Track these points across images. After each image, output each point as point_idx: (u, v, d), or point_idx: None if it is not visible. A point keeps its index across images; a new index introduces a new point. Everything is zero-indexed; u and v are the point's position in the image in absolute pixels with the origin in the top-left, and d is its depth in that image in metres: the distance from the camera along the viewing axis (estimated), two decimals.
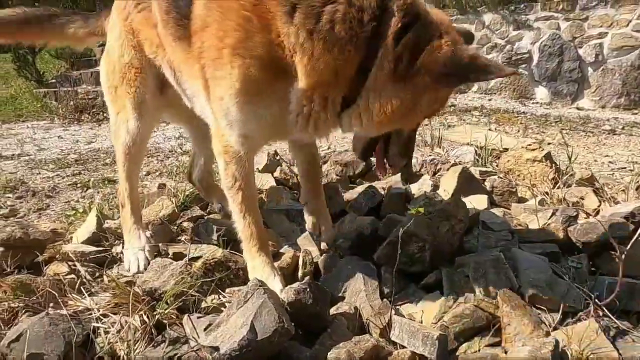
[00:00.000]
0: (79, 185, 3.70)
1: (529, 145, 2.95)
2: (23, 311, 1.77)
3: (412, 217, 1.87)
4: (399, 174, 2.76)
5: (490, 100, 6.97)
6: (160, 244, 2.17)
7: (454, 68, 1.43)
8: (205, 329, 1.58)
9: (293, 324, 1.46)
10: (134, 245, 2.15)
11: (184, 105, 2.11)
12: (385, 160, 1.80)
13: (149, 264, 2.00)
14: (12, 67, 9.70)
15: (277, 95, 1.58)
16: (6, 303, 1.77)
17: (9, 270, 2.05)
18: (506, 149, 3.45)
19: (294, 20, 1.45)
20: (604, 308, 1.57)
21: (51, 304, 1.80)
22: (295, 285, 1.54)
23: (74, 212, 2.93)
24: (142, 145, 2.24)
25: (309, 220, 2.18)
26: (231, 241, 2.12)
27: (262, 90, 1.57)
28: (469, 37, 1.77)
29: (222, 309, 1.74)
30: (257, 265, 1.81)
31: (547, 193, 2.71)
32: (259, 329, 1.33)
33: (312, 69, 1.47)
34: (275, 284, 1.73)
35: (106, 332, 1.65)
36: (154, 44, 2.02)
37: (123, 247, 2.23)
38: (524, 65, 6.97)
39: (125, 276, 2.00)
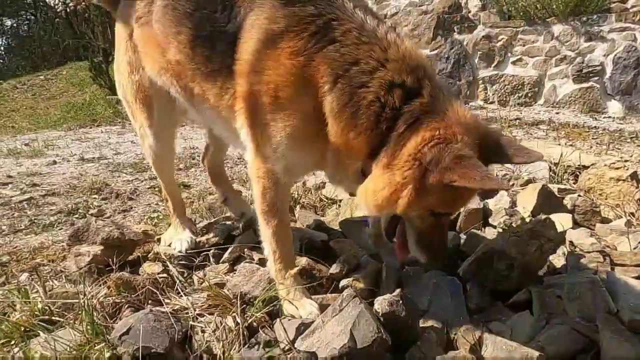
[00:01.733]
0: (156, 189, 3.90)
1: (613, 163, 2.84)
2: (125, 306, 1.90)
3: (499, 234, 1.86)
4: None
5: (558, 113, 6.73)
6: (245, 250, 2.27)
7: (434, 165, 1.43)
8: (296, 334, 1.64)
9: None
10: (178, 234, 2.39)
11: None
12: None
13: (189, 248, 2.29)
14: (88, 74, 10.38)
15: (320, 145, 1.66)
16: (111, 298, 1.91)
17: (110, 267, 2.21)
18: (584, 166, 3.34)
19: (332, 92, 1.56)
20: None
21: (150, 301, 1.93)
22: (388, 296, 1.57)
23: (157, 214, 3.10)
24: (168, 155, 2.37)
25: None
26: (313, 249, 2.19)
27: (308, 139, 1.66)
28: (492, 137, 1.60)
29: None
30: (288, 287, 1.82)
31: (632, 214, 2.61)
32: (358, 338, 1.38)
33: (337, 135, 1.59)
34: (307, 306, 1.75)
35: (202, 331, 1.74)
36: (161, 67, 2.03)
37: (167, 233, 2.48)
38: (595, 78, 6.69)
39: (216, 277, 2.10)
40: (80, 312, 1.80)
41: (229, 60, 1.73)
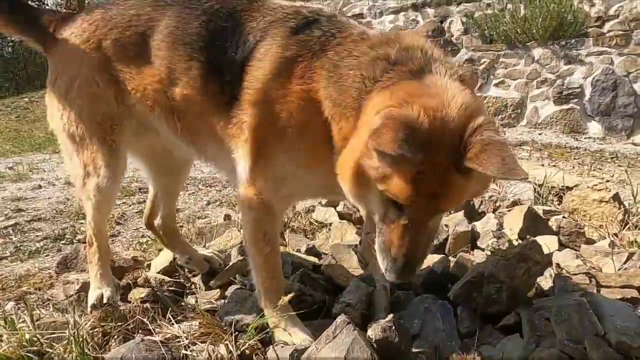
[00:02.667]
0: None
1: (595, 185, 2.92)
2: (115, 336, 1.88)
3: (488, 257, 1.90)
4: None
5: (540, 134, 6.88)
6: (237, 276, 2.27)
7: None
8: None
9: None
10: (96, 284, 2.09)
11: (151, 144, 2.15)
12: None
13: (106, 302, 1.99)
14: None
15: (332, 164, 1.60)
16: (100, 328, 1.89)
17: None
18: (568, 187, 3.42)
19: (330, 87, 1.56)
20: None
21: (140, 330, 1.91)
22: (382, 322, 1.58)
23: (145, 239, 3.08)
24: (114, 196, 2.17)
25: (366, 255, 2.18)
26: (304, 274, 2.20)
27: (319, 161, 1.63)
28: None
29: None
30: (280, 318, 1.78)
31: (616, 235, 2.67)
32: None
33: (343, 134, 1.55)
34: (299, 333, 1.75)
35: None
36: (154, 100, 1.90)
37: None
38: (575, 100, 6.88)
39: (207, 304, 2.09)
40: (69, 342, 1.78)
41: (236, 90, 1.70)
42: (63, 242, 3.32)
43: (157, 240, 2.60)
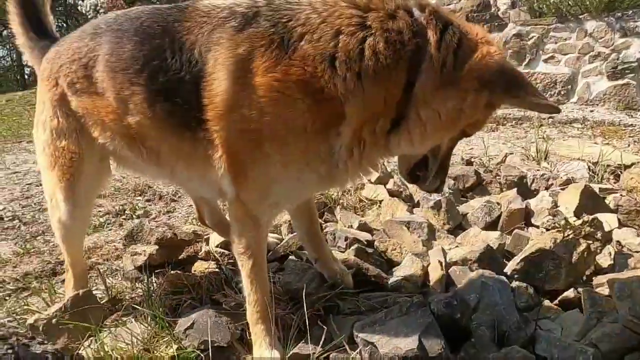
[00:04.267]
0: None
1: None
2: (185, 303, 2.01)
3: (546, 234, 1.90)
4: None
5: (592, 111, 6.62)
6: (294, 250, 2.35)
7: (503, 77, 1.42)
8: (351, 330, 1.71)
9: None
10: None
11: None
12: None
13: None
14: None
15: (325, 150, 1.54)
16: (172, 295, 2.02)
17: (163, 266, 2.32)
18: (625, 165, 3.31)
19: (338, 71, 1.43)
20: None
21: (207, 299, 2.03)
22: (443, 297, 1.63)
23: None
24: (81, 229, 2.15)
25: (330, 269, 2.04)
26: (359, 250, 2.25)
27: (310, 154, 1.53)
28: None
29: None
30: (257, 333, 1.71)
31: None
32: (425, 346, 1.44)
33: (364, 107, 1.47)
34: (272, 354, 1.66)
35: None
36: (113, 130, 1.83)
37: None
38: (630, 75, 6.55)
39: None
40: (143, 308, 1.91)
41: (194, 111, 1.58)
42: (123, 217, 3.51)
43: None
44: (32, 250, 2.86)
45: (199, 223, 2.63)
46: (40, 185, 3.22)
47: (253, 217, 1.66)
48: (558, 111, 1.52)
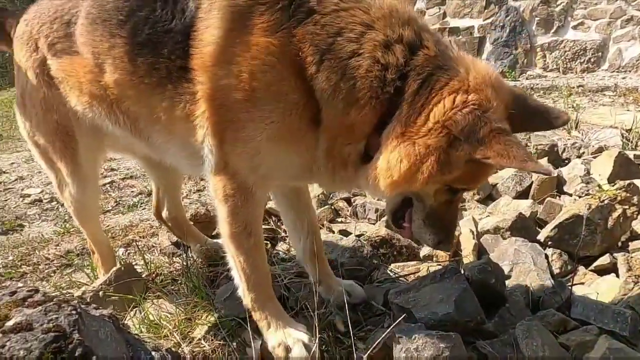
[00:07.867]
0: None
1: None
2: (221, 274, 2.08)
3: (580, 200, 1.88)
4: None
5: (624, 78, 6.40)
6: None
7: (466, 136, 1.23)
8: (384, 297, 1.74)
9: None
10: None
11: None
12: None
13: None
14: None
15: (308, 142, 1.43)
16: (208, 268, 2.10)
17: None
18: None
19: (320, 72, 1.32)
20: None
21: None
22: (477, 263, 1.64)
23: None
24: (93, 201, 2.07)
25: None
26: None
27: (295, 135, 1.42)
28: (520, 100, 1.41)
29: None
30: (270, 314, 1.59)
31: None
32: (461, 310, 1.46)
33: (334, 123, 1.37)
34: (293, 334, 1.54)
35: (296, 293, 1.89)
36: (95, 96, 1.69)
37: None
38: None
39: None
40: (183, 280, 1.99)
41: (179, 61, 1.45)
42: None
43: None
44: (72, 230, 2.97)
45: (155, 217, 2.47)
46: None
47: (246, 190, 1.49)
48: (545, 173, 1.42)
